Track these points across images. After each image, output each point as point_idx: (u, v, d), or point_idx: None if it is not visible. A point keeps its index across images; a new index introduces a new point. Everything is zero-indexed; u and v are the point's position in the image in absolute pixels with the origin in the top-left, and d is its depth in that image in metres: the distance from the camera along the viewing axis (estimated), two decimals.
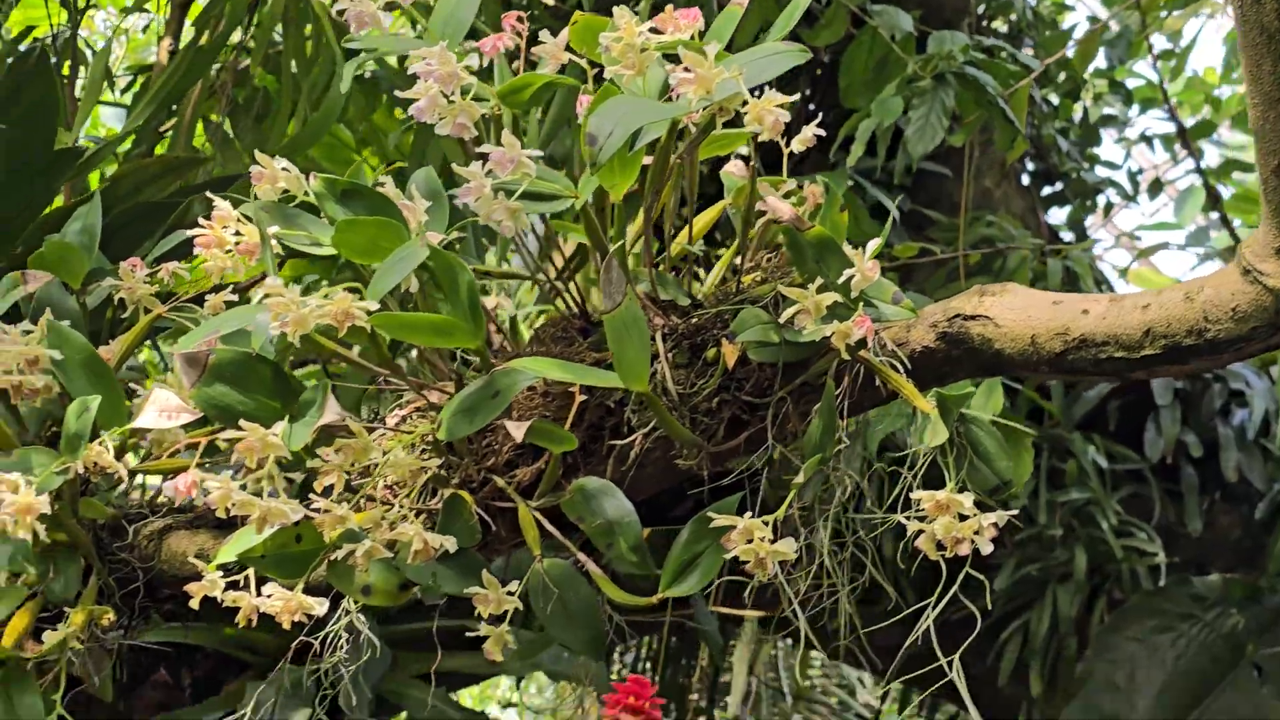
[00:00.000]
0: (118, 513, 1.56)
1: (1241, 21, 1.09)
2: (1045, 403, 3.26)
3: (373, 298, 1.22)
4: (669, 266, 1.42)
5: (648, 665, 3.87)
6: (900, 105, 2.70)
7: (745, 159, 1.40)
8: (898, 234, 3.34)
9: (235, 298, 1.56)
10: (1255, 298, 1.16)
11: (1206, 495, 3.36)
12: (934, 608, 1.23)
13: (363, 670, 1.42)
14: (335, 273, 1.50)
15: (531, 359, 1.29)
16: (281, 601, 1.25)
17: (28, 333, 1.48)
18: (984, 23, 3.80)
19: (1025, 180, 3.88)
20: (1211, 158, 4.74)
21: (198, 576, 1.30)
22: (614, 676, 3.42)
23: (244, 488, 1.24)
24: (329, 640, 1.38)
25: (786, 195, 1.38)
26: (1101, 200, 3.97)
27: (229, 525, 1.46)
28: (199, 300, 1.60)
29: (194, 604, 1.29)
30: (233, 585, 1.28)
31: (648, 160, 1.32)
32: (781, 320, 1.27)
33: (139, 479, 1.66)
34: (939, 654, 1.20)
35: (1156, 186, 4.15)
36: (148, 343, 2.37)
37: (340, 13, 1.41)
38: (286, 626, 1.26)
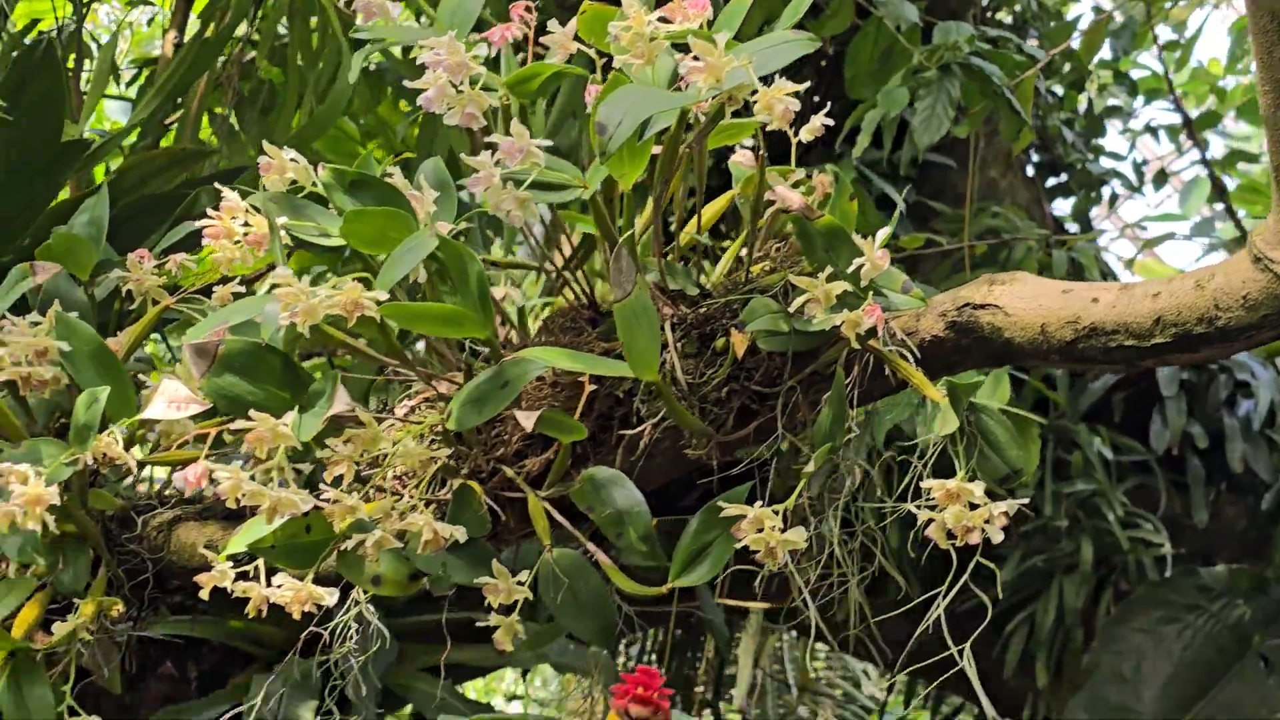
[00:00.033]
0: (126, 504, 1.57)
1: (1253, 7, 1.08)
2: (1051, 393, 3.26)
3: (382, 287, 1.22)
4: (678, 256, 1.42)
5: (653, 657, 3.87)
6: (906, 96, 2.69)
7: (754, 149, 1.40)
8: (903, 225, 3.33)
9: (243, 289, 1.56)
10: (1266, 285, 1.15)
11: (1212, 486, 3.35)
12: (944, 596, 1.22)
13: (370, 662, 1.42)
14: (341, 265, 1.50)
15: (541, 348, 1.29)
16: (292, 592, 1.25)
17: (36, 324, 1.48)
18: (989, 14, 3.80)
19: (1030, 171, 3.87)
20: (1216, 149, 4.73)
21: (207, 567, 1.30)
22: (619, 669, 3.42)
23: (253, 479, 1.24)
24: (337, 632, 1.38)
25: (795, 185, 1.38)
26: (1106, 192, 3.96)
27: (238, 516, 1.47)
28: (206, 292, 1.60)
29: (204, 594, 1.29)
30: (242, 576, 1.28)
31: (656, 150, 1.32)
32: (791, 309, 1.27)
33: (145, 471, 1.66)
34: (950, 644, 1.20)
35: (1161, 178, 4.15)
36: (154, 335, 2.37)
37: (347, 4, 1.41)
38: (297, 617, 1.26)
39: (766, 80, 1.23)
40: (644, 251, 1.38)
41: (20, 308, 1.52)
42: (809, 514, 1.31)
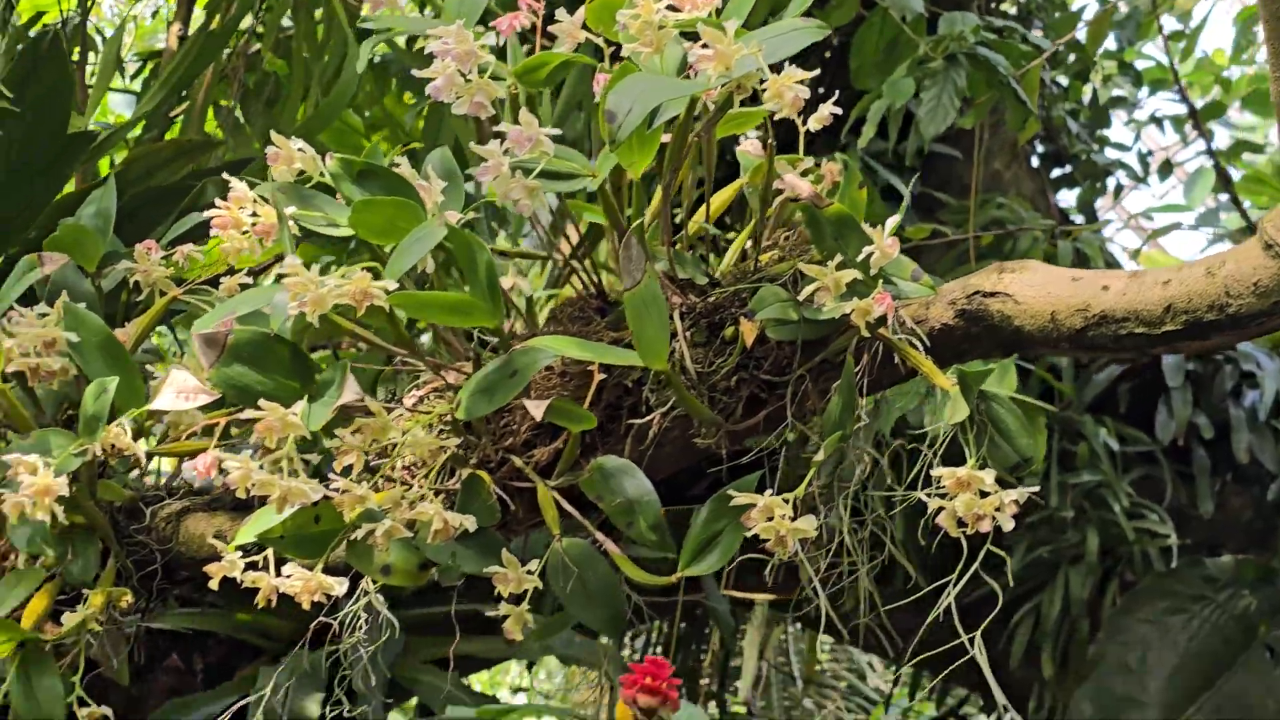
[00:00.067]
0: (135, 495, 1.57)
1: None
2: (1058, 383, 3.25)
3: (391, 276, 1.22)
4: (686, 245, 1.41)
5: (658, 649, 3.87)
6: (912, 86, 2.68)
7: (762, 137, 1.40)
8: (908, 216, 3.33)
9: (250, 280, 1.56)
10: (1277, 272, 1.15)
11: (1218, 477, 3.35)
12: (955, 585, 1.22)
13: (378, 652, 1.42)
14: (346, 257, 1.50)
15: (550, 337, 1.29)
16: (301, 581, 1.25)
17: (44, 315, 1.48)
18: (994, 4, 3.79)
19: (1035, 163, 3.86)
20: (1221, 139, 4.73)
21: (215, 558, 1.30)
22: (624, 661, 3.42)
23: (262, 469, 1.24)
24: (345, 623, 1.38)
25: (804, 173, 1.38)
26: (1111, 183, 3.95)
27: (246, 507, 1.46)
28: (213, 283, 1.60)
29: (213, 584, 1.29)
30: (251, 566, 1.28)
31: (665, 139, 1.32)
32: (800, 298, 1.27)
33: (151, 464, 1.66)
34: (960, 632, 1.20)
35: (1167, 168, 4.14)
36: (161, 326, 2.37)
37: None
38: (306, 606, 1.26)
39: (776, 68, 1.23)
40: (653, 240, 1.38)
41: (28, 300, 1.52)
42: (818, 502, 1.31)
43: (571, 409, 1.29)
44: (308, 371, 1.30)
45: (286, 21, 2.89)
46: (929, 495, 1.22)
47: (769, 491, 1.24)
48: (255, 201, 1.42)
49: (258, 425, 1.23)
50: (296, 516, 1.27)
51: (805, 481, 1.25)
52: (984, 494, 1.20)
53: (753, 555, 1.30)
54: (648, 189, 1.39)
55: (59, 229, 1.60)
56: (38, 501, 1.30)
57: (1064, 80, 3.83)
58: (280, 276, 1.25)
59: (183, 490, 1.58)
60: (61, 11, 2.79)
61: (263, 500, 1.26)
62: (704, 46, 1.20)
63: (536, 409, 1.27)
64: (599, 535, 1.33)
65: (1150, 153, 4.17)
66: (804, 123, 1.37)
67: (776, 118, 1.29)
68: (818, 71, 1.25)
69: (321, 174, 1.38)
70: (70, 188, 2.18)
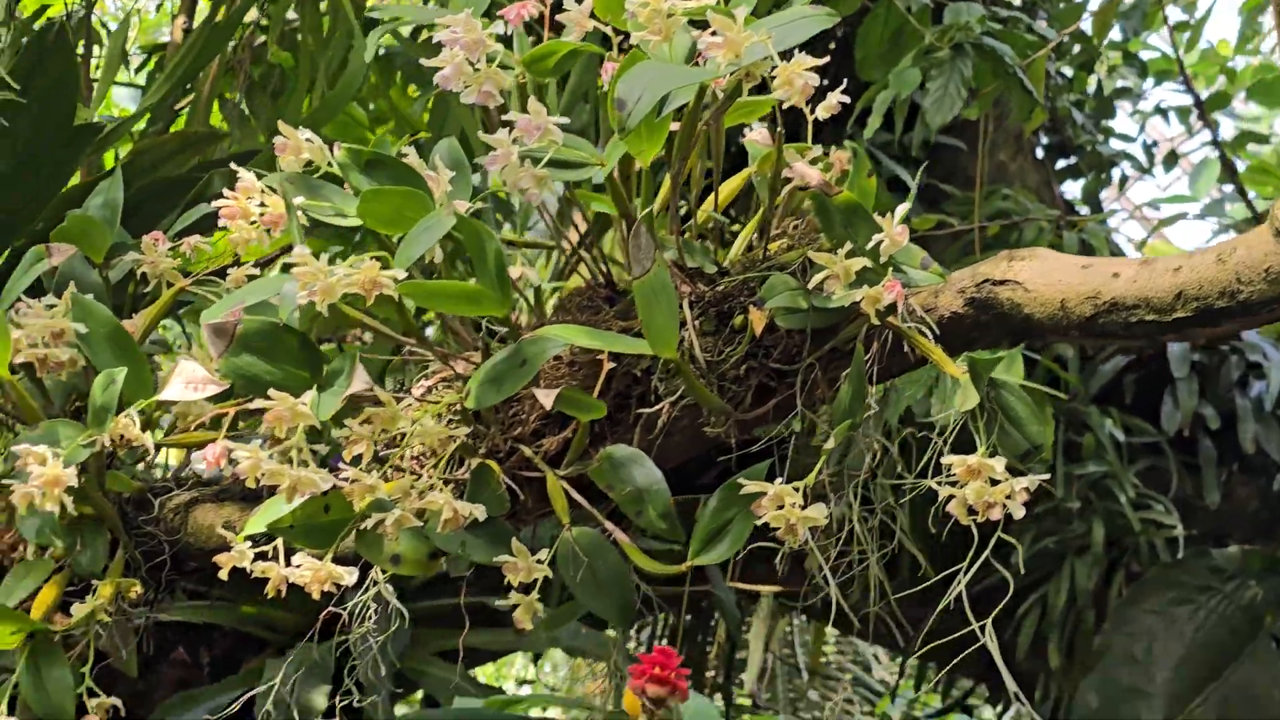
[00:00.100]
0: (143, 486, 1.57)
1: None
2: (1064, 373, 3.25)
3: (400, 265, 1.22)
4: (695, 234, 1.41)
5: (664, 642, 3.87)
6: (918, 76, 2.68)
7: (771, 126, 1.40)
8: (913, 208, 3.32)
9: (257, 272, 1.56)
10: None
11: (1224, 467, 3.35)
12: (966, 573, 1.22)
13: (383, 646, 1.41)
14: (352, 248, 1.50)
15: (559, 326, 1.29)
16: (311, 571, 1.25)
17: (52, 306, 1.48)
18: None
19: (1040, 154, 3.86)
20: (1226, 130, 4.72)
21: (224, 548, 1.30)
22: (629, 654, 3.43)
23: (271, 459, 1.24)
24: (353, 614, 1.38)
25: (813, 162, 1.38)
26: (1116, 174, 3.95)
27: (254, 498, 1.47)
28: (221, 275, 1.60)
29: (223, 574, 1.29)
30: (261, 556, 1.28)
31: (673, 127, 1.32)
32: (810, 286, 1.27)
33: (158, 456, 1.66)
34: (972, 619, 1.20)
35: (1172, 159, 4.13)
36: (165, 320, 2.37)
37: None
38: (316, 596, 1.26)
39: (785, 56, 1.23)
40: (661, 229, 1.38)
41: (36, 291, 1.52)
42: (828, 491, 1.31)
43: (581, 398, 1.29)
44: (317, 361, 1.30)
45: (291, 14, 2.89)
46: (939, 483, 1.22)
47: (779, 480, 1.24)
48: (263, 192, 1.42)
49: (267, 415, 1.23)
50: (306, 506, 1.27)
51: (815, 469, 1.25)
52: (994, 482, 1.20)
53: (758, 547, 1.30)
54: (655, 178, 1.39)
55: (66, 220, 1.60)
56: (47, 492, 1.30)
57: (1069, 71, 3.83)
58: (288, 266, 1.25)
59: (191, 481, 1.58)
60: (65, 5, 2.79)
61: (271, 491, 1.26)
62: (713, 34, 1.20)
63: (546, 398, 1.27)
64: (608, 525, 1.33)
65: (1155, 144, 4.17)
66: (812, 111, 1.36)
67: (785, 106, 1.29)
68: (827, 59, 1.25)
69: (329, 164, 1.38)
70: (75, 180, 2.18)
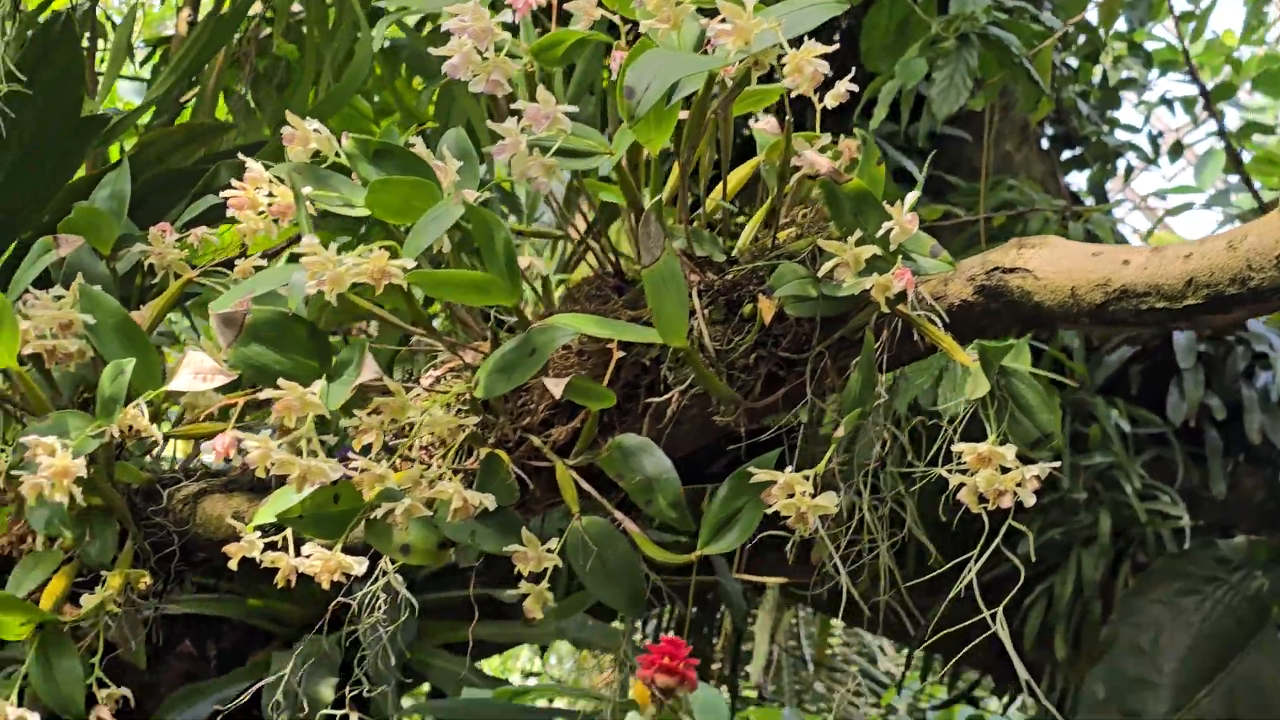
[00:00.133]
0: (152, 476, 1.57)
1: None
2: (1070, 363, 3.25)
3: (409, 254, 1.22)
4: (703, 223, 1.41)
5: (670, 633, 3.87)
6: (924, 67, 2.68)
7: (779, 114, 1.39)
8: (919, 199, 3.32)
9: (264, 263, 1.56)
10: None
11: (1230, 458, 3.35)
12: (976, 562, 1.22)
13: (391, 637, 1.42)
14: (357, 240, 1.50)
15: (569, 315, 1.28)
16: (320, 561, 1.25)
17: (59, 298, 1.48)
18: None
19: (1045, 145, 3.86)
20: (1231, 121, 4.71)
21: (233, 539, 1.30)
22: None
23: (280, 448, 1.24)
24: (362, 605, 1.38)
25: (821, 150, 1.37)
26: (1121, 164, 3.95)
27: (263, 488, 1.47)
28: (228, 266, 1.60)
29: (232, 564, 1.29)
30: (270, 546, 1.28)
31: (682, 116, 1.31)
32: (820, 274, 1.27)
33: (166, 448, 1.66)
34: (983, 607, 1.20)
35: (1177, 150, 4.13)
36: (171, 314, 2.37)
37: None
38: (326, 586, 1.26)
39: (794, 43, 1.22)
40: (670, 218, 1.38)
41: (44, 283, 1.52)
42: (838, 480, 1.31)
43: (591, 387, 1.29)
44: (326, 351, 1.30)
45: (297, 6, 2.89)
46: (950, 471, 1.22)
47: (789, 468, 1.24)
48: (271, 182, 1.41)
49: (276, 404, 1.22)
50: (315, 496, 1.26)
51: (825, 458, 1.25)
52: (1005, 470, 1.20)
53: (763, 540, 1.29)
54: (663, 167, 1.39)
55: (74, 211, 1.59)
56: (56, 483, 1.30)
57: (1074, 62, 3.82)
58: (295, 256, 1.25)
59: (199, 472, 1.58)
60: None
61: (280, 481, 1.26)
62: (722, 21, 1.20)
63: (556, 387, 1.26)
64: (618, 514, 1.33)
65: (1160, 134, 4.17)
66: (820, 100, 1.36)
67: (793, 95, 1.28)
68: (837, 45, 1.25)
69: (337, 154, 1.37)
70: (81, 173, 2.18)
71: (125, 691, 1.49)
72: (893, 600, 1.51)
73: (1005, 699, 3.82)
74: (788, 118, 1.33)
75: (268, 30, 2.96)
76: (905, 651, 4.12)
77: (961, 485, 1.21)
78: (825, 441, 1.28)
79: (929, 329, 1.27)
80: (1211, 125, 3.96)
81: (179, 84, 2.53)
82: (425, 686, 3.07)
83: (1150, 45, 4.17)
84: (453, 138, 1.42)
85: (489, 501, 1.26)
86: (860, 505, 1.35)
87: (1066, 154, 3.88)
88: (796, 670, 4.53)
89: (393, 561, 1.33)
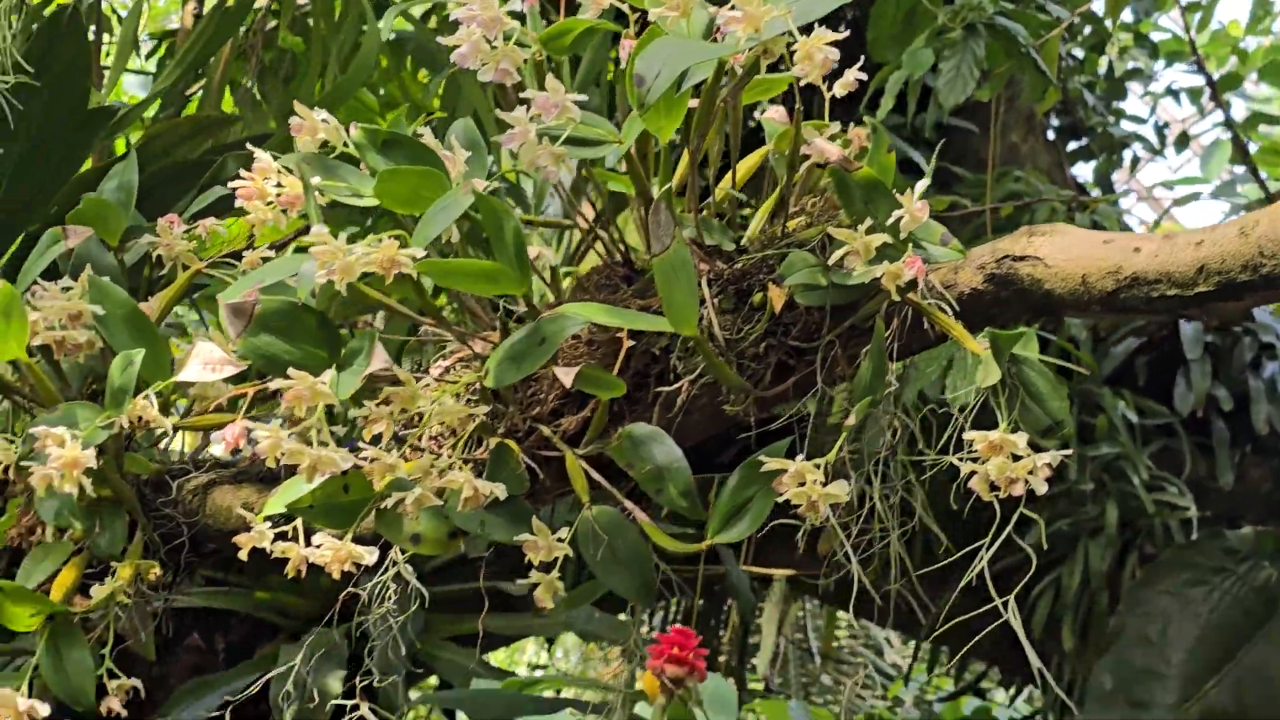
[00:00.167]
0: (161, 468, 1.57)
1: None
2: (1078, 353, 3.24)
3: (418, 244, 1.22)
4: (713, 212, 1.41)
5: (678, 624, 3.87)
6: (931, 57, 2.67)
7: (788, 103, 1.39)
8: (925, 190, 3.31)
9: (272, 254, 1.56)
10: None
11: (1237, 449, 3.35)
12: (987, 550, 1.22)
13: (400, 628, 1.41)
14: (363, 231, 1.50)
15: (578, 304, 1.28)
16: (331, 551, 1.25)
17: (68, 289, 1.48)
18: None
19: (1051, 135, 3.86)
20: (1237, 111, 4.71)
21: (243, 530, 1.30)
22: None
23: (290, 438, 1.24)
24: (372, 596, 1.38)
25: (831, 139, 1.37)
26: (1128, 155, 3.94)
27: (273, 479, 1.47)
28: (236, 257, 1.60)
29: (243, 555, 1.29)
30: (280, 537, 1.28)
31: (691, 104, 1.31)
32: (830, 263, 1.26)
33: (175, 440, 1.66)
34: (995, 595, 1.20)
35: (1183, 140, 4.12)
36: (177, 307, 2.37)
37: None
38: (336, 576, 1.26)
39: (804, 31, 1.22)
40: (679, 207, 1.37)
41: (52, 274, 1.52)
42: (848, 468, 1.30)
43: (601, 376, 1.28)
44: (335, 341, 1.30)
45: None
46: (961, 460, 1.22)
47: (799, 457, 1.23)
48: (279, 172, 1.41)
49: (286, 394, 1.22)
50: (326, 486, 1.26)
51: (836, 446, 1.24)
52: (1016, 457, 1.20)
53: (771, 531, 1.29)
54: (672, 156, 1.38)
55: (82, 203, 1.59)
56: (65, 474, 1.30)
57: (1080, 53, 3.82)
58: (305, 246, 1.24)
59: (209, 463, 1.58)
60: None
61: (290, 472, 1.25)
62: (732, 9, 1.19)
63: (566, 376, 1.26)
64: (628, 503, 1.32)
65: (1166, 125, 4.16)
66: (829, 89, 1.36)
67: (802, 84, 1.28)
68: (846, 34, 1.24)
69: (345, 145, 1.37)
70: (88, 165, 2.18)
71: (136, 682, 1.49)
72: (903, 590, 1.51)
73: (1012, 691, 3.83)
74: (798, 105, 1.33)
75: (274, 23, 2.96)
76: (912, 644, 4.13)
77: (973, 473, 1.21)
78: (835, 430, 1.28)
79: (939, 317, 1.27)
80: (1218, 116, 3.96)
81: (185, 77, 2.53)
82: (433, 679, 3.07)
83: (1156, 36, 4.17)
84: (461, 128, 1.42)
85: (499, 491, 1.26)
86: (870, 494, 1.35)
87: (1073, 145, 3.88)
88: (803, 662, 4.53)
89: (402, 552, 1.33)
